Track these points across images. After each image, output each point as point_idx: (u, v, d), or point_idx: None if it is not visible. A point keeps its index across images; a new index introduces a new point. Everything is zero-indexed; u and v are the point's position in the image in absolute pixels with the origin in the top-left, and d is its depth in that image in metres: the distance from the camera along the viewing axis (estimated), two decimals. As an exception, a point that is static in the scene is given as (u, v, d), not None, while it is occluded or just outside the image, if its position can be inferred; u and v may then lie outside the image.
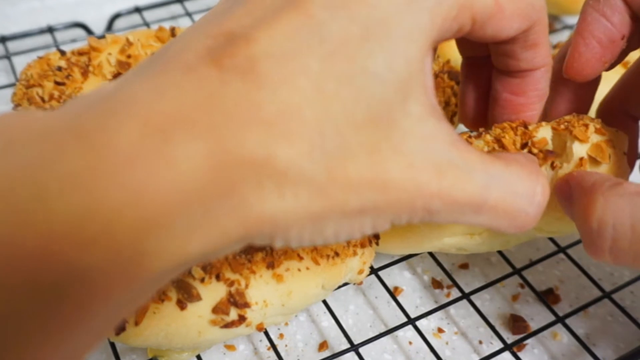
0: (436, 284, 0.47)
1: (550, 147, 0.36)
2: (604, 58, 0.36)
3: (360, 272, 0.41)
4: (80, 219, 0.20)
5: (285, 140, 0.23)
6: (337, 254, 0.39)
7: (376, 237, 0.41)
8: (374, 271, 0.45)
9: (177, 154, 0.21)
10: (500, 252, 0.47)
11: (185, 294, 0.35)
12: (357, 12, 0.24)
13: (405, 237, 0.41)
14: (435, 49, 0.33)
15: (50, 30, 0.67)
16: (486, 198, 0.27)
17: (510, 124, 0.36)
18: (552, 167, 0.36)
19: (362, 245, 0.40)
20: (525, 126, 0.36)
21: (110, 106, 0.22)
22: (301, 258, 0.38)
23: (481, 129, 0.37)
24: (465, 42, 0.36)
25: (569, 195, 0.34)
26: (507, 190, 0.28)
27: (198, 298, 0.35)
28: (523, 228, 0.30)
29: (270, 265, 0.37)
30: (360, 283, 0.43)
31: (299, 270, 0.37)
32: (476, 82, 0.38)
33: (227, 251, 0.24)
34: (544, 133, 0.35)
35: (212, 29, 0.24)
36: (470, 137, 0.38)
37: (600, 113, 0.41)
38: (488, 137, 0.36)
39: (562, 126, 0.37)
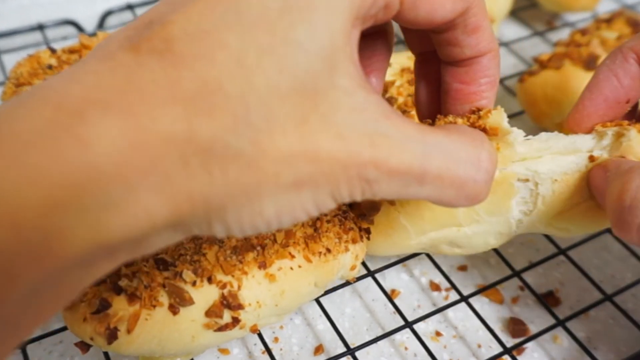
0: (434, 287, 0.46)
1: (504, 127, 0.35)
2: (606, 117, 0.37)
3: (353, 268, 0.40)
4: None
5: (206, 115, 0.23)
6: (329, 251, 0.38)
7: (367, 231, 0.41)
8: (370, 273, 0.45)
9: (89, 133, 0.21)
10: (499, 254, 0.47)
11: (177, 299, 0.34)
12: None
13: (387, 234, 0.41)
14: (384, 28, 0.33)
15: (40, 27, 0.66)
16: (427, 167, 0.27)
17: (465, 111, 0.35)
18: (591, 159, 0.36)
19: (354, 241, 0.40)
20: (478, 112, 0.35)
21: (24, 98, 0.22)
22: (293, 256, 0.37)
23: (439, 116, 0.37)
24: (412, 37, 0.36)
25: (604, 179, 0.34)
26: (449, 157, 0.28)
27: (190, 302, 0.35)
28: (475, 198, 0.29)
29: (262, 265, 0.36)
30: (353, 279, 0.42)
31: (291, 268, 0.37)
32: (428, 77, 0.37)
33: (163, 239, 0.24)
34: (497, 117, 0.35)
35: (135, 22, 0.25)
36: None
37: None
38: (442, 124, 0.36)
39: (627, 121, 0.37)
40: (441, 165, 0.27)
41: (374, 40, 0.34)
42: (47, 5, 0.70)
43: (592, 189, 0.36)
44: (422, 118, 0.39)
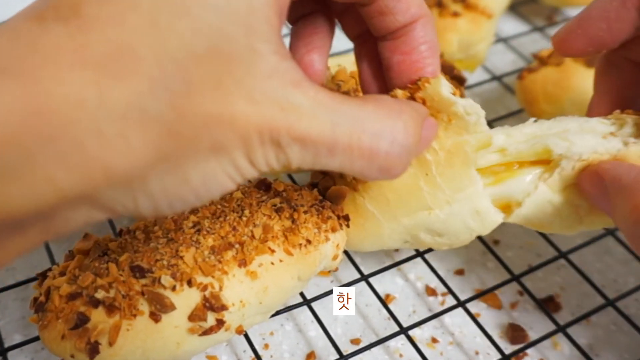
0: (430, 291, 0.45)
1: (444, 97, 0.34)
2: (590, 47, 0.37)
3: (335, 257, 0.39)
4: None
5: (118, 80, 0.22)
6: (309, 242, 0.37)
7: (346, 219, 0.39)
8: (364, 277, 0.44)
9: None
10: (497, 258, 0.46)
11: (158, 305, 0.33)
12: None
13: (359, 224, 0.39)
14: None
15: (26, 21, 0.64)
16: (336, 136, 0.27)
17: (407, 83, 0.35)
18: (625, 144, 0.36)
19: (333, 230, 0.39)
20: (417, 82, 0.34)
21: None
22: (273, 251, 0.36)
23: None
24: (347, 19, 0.36)
25: (602, 189, 0.34)
26: (358, 128, 0.27)
27: (172, 307, 0.33)
28: (389, 171, 0.29)
29: (242, 263, 0.35)
30: (336, 269, 0.41)
31: (272, 264, 0.36)
32: (368, 57, 0.37)
33: (80, 215, 0.23)
34: (435, 86, 0.34)
35: None
36: None
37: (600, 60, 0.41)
38: None
39: None
40: (350, 134, 0.27)
41: (314, 18, 0.34)
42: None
43: (585, 195, 0.35)
44: None
